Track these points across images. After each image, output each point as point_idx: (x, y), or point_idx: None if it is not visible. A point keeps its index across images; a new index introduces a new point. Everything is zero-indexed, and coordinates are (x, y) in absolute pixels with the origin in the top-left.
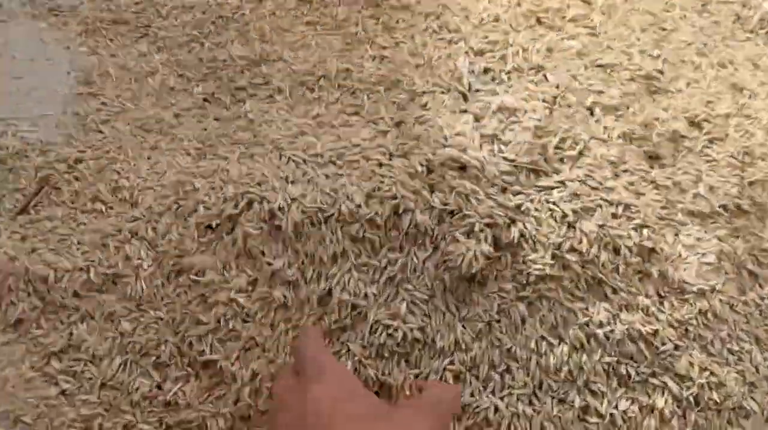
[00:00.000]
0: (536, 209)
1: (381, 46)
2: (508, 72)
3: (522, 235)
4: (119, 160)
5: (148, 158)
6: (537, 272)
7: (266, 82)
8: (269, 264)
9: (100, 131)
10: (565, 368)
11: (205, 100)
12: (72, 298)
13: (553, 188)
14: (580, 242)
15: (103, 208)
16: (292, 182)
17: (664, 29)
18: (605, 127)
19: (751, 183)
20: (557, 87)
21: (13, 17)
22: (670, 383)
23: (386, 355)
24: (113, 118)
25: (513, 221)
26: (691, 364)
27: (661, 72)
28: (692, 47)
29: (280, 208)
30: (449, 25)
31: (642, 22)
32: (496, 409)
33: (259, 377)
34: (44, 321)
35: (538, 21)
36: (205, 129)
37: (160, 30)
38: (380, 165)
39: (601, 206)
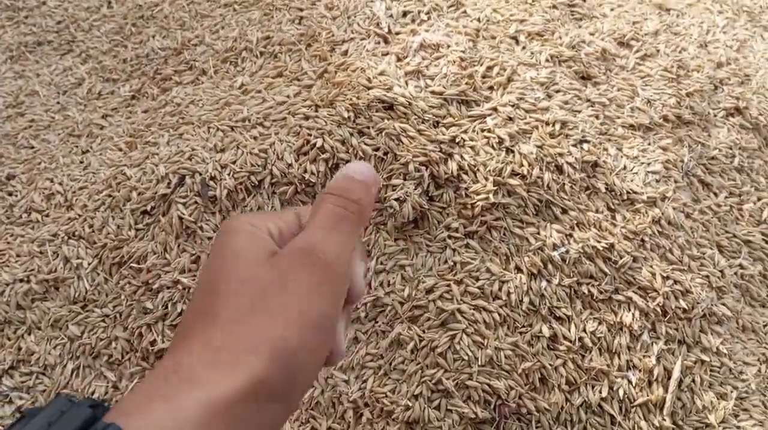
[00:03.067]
0: (471, 139)
1: (298, 8)
2: (428, 12)
3: (460, 167)
4: (51, 169)
5: (81, 162)
6: (482, 203)
7: (190, 67)
8: (209, 239)
9: (31, 146)
10: (527, 299)
11: (132, 97)
12: (16, 311)
13: (485, 116)
14: (521, 165)
15: (39, 218)
16: (222, 151)
17: None
18: (532, 53)
19: (689, 94)
20: (478, 20)
21: None
22: (635, 297)
23: None
24: (42, 132)
25: (449, 155)
26: (653, 274)
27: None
28: None
29: (212, 178)
30: None
31: None
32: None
33: None
34: None
35: None
36: (134, 123)
37: (84, 42)
38: (306, 118)
39: (537, 127)
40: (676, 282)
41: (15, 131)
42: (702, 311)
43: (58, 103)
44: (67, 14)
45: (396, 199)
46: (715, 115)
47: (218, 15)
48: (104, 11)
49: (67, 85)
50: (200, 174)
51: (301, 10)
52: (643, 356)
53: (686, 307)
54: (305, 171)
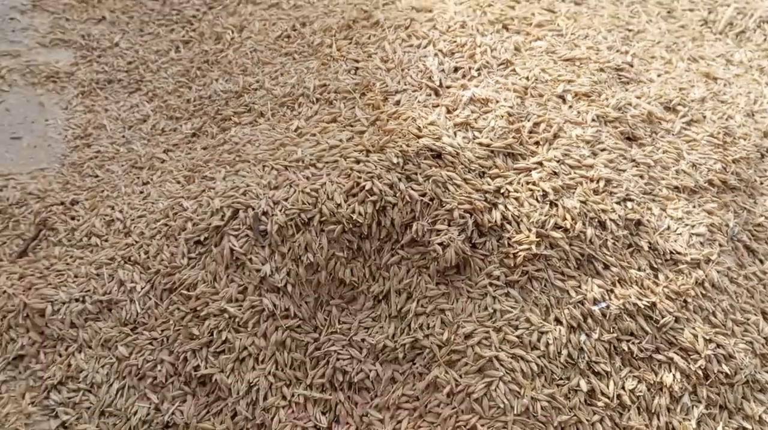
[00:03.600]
0: (516, 191)
1: (354, 60)
2: (478, 69)
3: (504, 217)
4: (113, 197)
5: (141, 192)
6: (524, 253)
7: (249, 110)
8: (257, 271)
9: (96, 175)
10: (565, 351)
11: (193, 134)
12: (69, 329)
13: (531, 170)
14: (564, 218)
15: (98, 242)
16: (275, 188)
17: (630, 30)
18: (578, 112)
19: (735, 161)
20: (527, 78)
21: (13, 85)
22: (676, 358)
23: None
24: (107, 162)
25: (494, 205)
26: (695, 336)
27: (630, 65)
28: (661, 45)
29: (264, 213)
30: (417, 33)
31: (608, 25)
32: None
33: (256, 389)
34: (43, 355)
35: (505, 27)
36: (193, 158)
37: (151, 82)
38: (357, 162)
39: (581, 183)
40: (718, 346)
41: (81, 161)
42: (745, 377)
43: (123, 136)
44: (138, 56)
45: (440, 244)
46: (761, 183)
47: (279, 63)
48: (172, 55)
49: (133, 120)
50: (253, 209)
51: (357, 61)
52: (683, 419)
53: (729, 372)
54: (353, 212)
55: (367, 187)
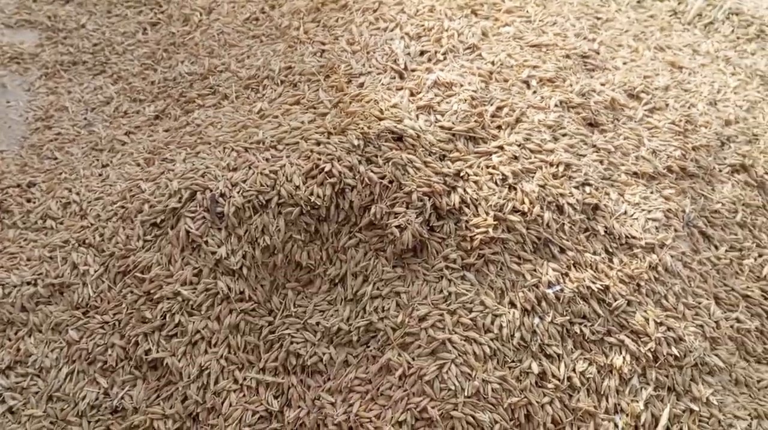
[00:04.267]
0: (475, 174)
1: (321, 42)
2: (444, 53)
3: (463, 200)
4: (71, 179)
5: (99, 175)
6: (481, 236)
7: (213, 92)
8: (213, 253)
9: (55, 158)
10: (518, 334)
11: (156, 117)
12: (20, 312)
13: (491, 153)
14: (522, 202)
15: (54, 224)
16: (234, 170)
17: (599, 18)
18: (542, 97)
19: (695, 148)
20: (493, 63)
21: None
22: (627, 341)
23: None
24: (67, 145)
25: (453, 188)
26: (646, 319)
27: (596, 52)
28: (629, 34)
29: (222, 195)
30: (385, 17)
31: (577, 12)
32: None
33: (207, 373)
34: None
35: (474, 12)
36: (154, 141)
37: (116, 65)
38: (318, 143)
39: (541, 167)
40: (669, 329)
41: (41, 143)
42: (694, 359)
43: (85, 119)
44: (104, 38)
45: (397, 227)
46: (720, 171)
47: (246, 45)
48: (139, 37)
49: (96, 102)
50: (211, 190)
51: (324, 44)
52: (632, 401)
53: (678, 354)
54: (312, 194)
55: (326, 169)
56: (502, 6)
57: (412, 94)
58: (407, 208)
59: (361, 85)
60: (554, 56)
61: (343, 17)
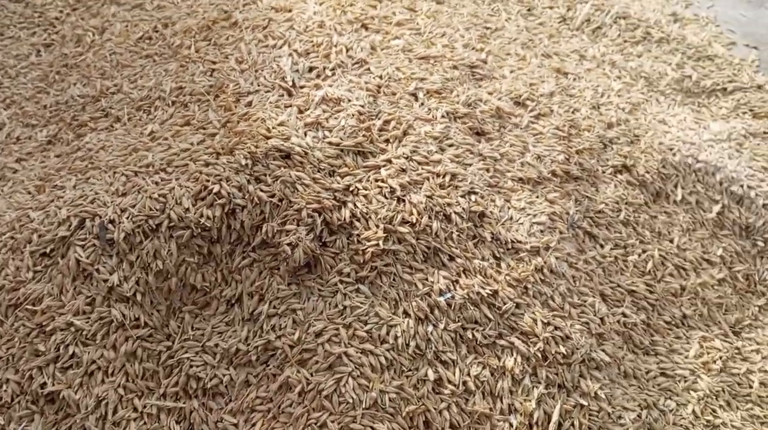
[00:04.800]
0: (365, 188)
1: (212, 61)
2: (333, 68)
3: (353, 214)
4: None
5: None
6: (372, 249)
7: (106, 114)
8: (105, 281)
9: None
10: (413, 343)
11: (48, 142)
12: None
13: (380, 167)
14: (411, 213)
15: None
16: (123, 195)
17: (488, 28)
18: (429, 109)
19: (578, 151)
20: (380, 77)
21: None
22: (517, 342)
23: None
24: None
25: (343, 203)
26: (534, 320)
27: (484, 62)
28: (517, 42)
29: (111, 221)
30: (274, 34)
31: (466, 23)
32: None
33: (105, 403)
34: None
35: (364, 26)
36: (46, 167)
37: (9, 88)
38: (207, 165)
39: (428, 179)
40: (556, 328)
41: None
42: (581, 356)
43: None
44: None
45: (288, 244)
46: (603, 172)
47: (138, 65)
48: (32, 59)
49: None
50: (100, 217)
51: (214, 63)
52: (524, 400)
53: (566, 352)
54: (202, 216)
55: (215, 191)
56: (393, 19)
57: (300, 112)
58: (298, 225)
59: (250, 103)
60: (442, 68)
61: (233, 35)
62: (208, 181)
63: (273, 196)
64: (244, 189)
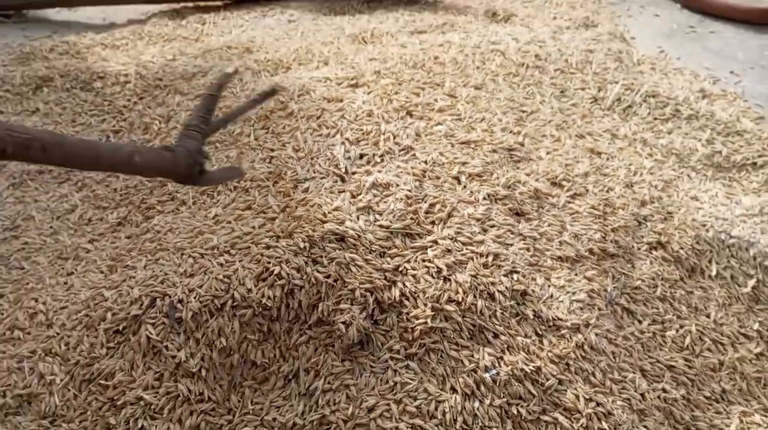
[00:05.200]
0: (413, 268)
1: (270, 149)
2: (381, 155)
3: (402, 293)
4: (37, 289)
5: (65, 283)
6: (420, 327)
7: (172, 198)
8: (173, 357)
9: (22, 268)
10: (460, 418)
11: (119, 223)
12: None
13: (427, 248)
14: (457, 292)
15: (21, 335)
16: (191, 275)
17: (524, 111)
18: (471, 191)
19: (614, 229)
20: (425, 162)
21: None
22: (560, 418)
23: None
24: (34, 254)
25: (393, 283)
26: (577, 396)
27: (521, 144)
28: (552, 124)
29: (179, 301)
30: (327, 123)
31: (503, 107)
32: None
33: None
34: None
35: (409, 114)
36: (117, 247)
37: (81, 172)
38: (268, 247)
39: (472, 259)
40: (598, 404)
41: (8, 253)
42: None
43: (51, 227)
44: None
45: (343, 322)
46: (639, 249)
47: None
48: None
49: (62, 211)
50: (169, 297)
51: (272, 150)
52: None
53: (608, 428)
54: (263, 296)
55: (275, 272)
56: (435, 106)
57: (352, 196)
58: (352, 304)
59: (306, 190)
60: (482, 151)
61: (289, 124)
62: (269, 262)
63: (329, 276)
64: (302, 270)
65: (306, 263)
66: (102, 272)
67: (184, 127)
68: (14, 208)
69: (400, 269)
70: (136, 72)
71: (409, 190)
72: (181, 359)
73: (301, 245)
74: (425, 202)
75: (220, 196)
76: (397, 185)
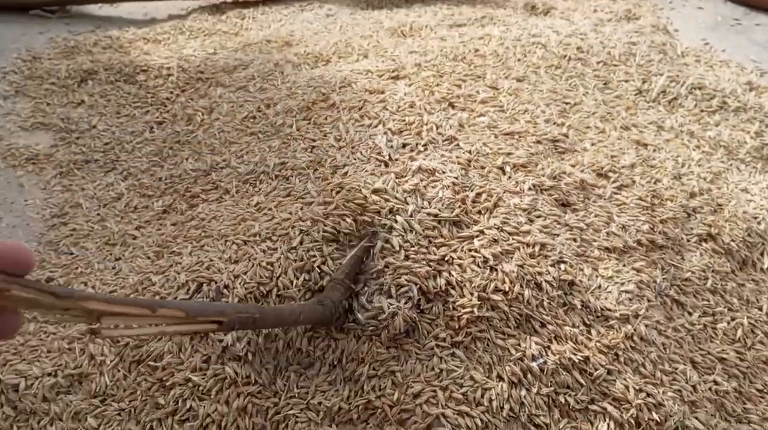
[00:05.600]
0: (459, 258)
1: (311, 140)
2: (425, 145)
3: (448, 283)
4: (86, 273)
5: (113, 268)
6: (467, 316)
7: (216, 187)
8: (219, 341)
9: (71, 253)
10: (507, 406)
11: (164, 211)
12: (41, 403)
13: (473, 237)
14: (503, 282)
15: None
16: (236, 262)
17: (567, 103)
18: (516, 182)
19: (662, 221)
20: (470, 152)
21: None
22: (609, 408)
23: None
24: (82, 240)
25: (439, 272)
26: (626, 387)
27: (566, 136)
28: (596, 116)
29: (226, 286)
30: (369, 114)
31: (546, 99)
32: None
33: None
34: (16, 429)
35: (451, 105)
36: (163, 234)
37: (126, 162)
38: (307, 234)
39: (518, 249)
40: (648, 395)
41: (57, 239)
42: (674, 424)
43: (98, 214)
44: (114, 137)
45: (389, 313)
46: (688, 241)
47: (244, 142)
48: (146, 135)
49: (108, 199)
50: (215, 283)
51: (314, 140)
52: None
53: (659, 419)
54: (303, 286)
55: (316, 264)
56: (477, 97)
57: (397, 178)
58: (397, 292)
59: (345, 174)
60: (526, 143)
61: (331, 115)
62: (308, 250)
63: (375, 265)
64: (337, 260)
65: (348, 250)
66: (149, 258)
67: (332, 281)
68: (62, 196)
69: (446, 258)
70: (178, 65)
71: (456, 178)
72: (228, 343)
73: (344, 231)
74: (472, 191)
75: (262, 185)
76: (443, 172)
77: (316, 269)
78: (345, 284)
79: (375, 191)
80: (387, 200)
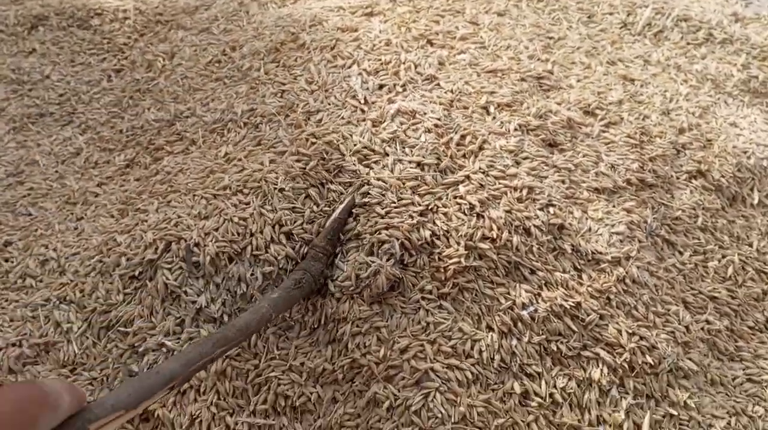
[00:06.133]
0: (444, 206)
1: (281, 83)
2: (403, 85)
3: (433, 233)
4: (47, 235)
5: (75, 229)
6: (454, 266)
7: (181, 138)
8: (193, 303)
9: (29, 214)
10: (498, 357)
11: (126, 166)
12: (8, 375)
13: (459, 183)
14: (491, 229)
15: (33, 283)
16: (206, 218)
17: (551, 38)
18: (502, 122)
19: (651, 159)
20: (452, 92)
21: None
22: (602, 353)
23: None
24: (40, 199)
25: (423, 224)
26: (619, 331)
27: (551, 72)
28: (581, 50)
29: (196, 245)
30: (342, 54)
31: (529, 34)
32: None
33: (199, 421)
34: None
35: (429, 42)
36: (126, 191)
37: (83, 114)
38: (281, 190)
39: (506, 193)
40: (641, 338)
41: (14, 199)
42: (668, 365)
43: (56, 172)
44: (69, 87)
45: (372, 271)
46: (677, 178)
47: (209, 89)
48: (104, 85)
49: (66, 154)
50: (185, 241)
51: (284, 84)
52: (613, 411)
53: (652, 362)
54: (281, 250)
55: (289, 219)
56: (457, 34)
57: (374, 125)
58: (379, 248)
59: (320, 121)
60: (510, 80)
61: (301, 56)
62: (279, 205)
63: (357, 219)
64: (323, 215)
65: (327, 205)
66: (113, 217)
67: (312, 248)
68: (17, 153)
69: (430, 207)
70: (134, 7)
71: (438, 119)
72: (202, 305)
73: (315, 185)
74: (456, 133)
75: (231, 134)
76: (424, 113)
77: (294, 235)
78: (327, 252)
79: (352, 144)
80: (367, 156)
